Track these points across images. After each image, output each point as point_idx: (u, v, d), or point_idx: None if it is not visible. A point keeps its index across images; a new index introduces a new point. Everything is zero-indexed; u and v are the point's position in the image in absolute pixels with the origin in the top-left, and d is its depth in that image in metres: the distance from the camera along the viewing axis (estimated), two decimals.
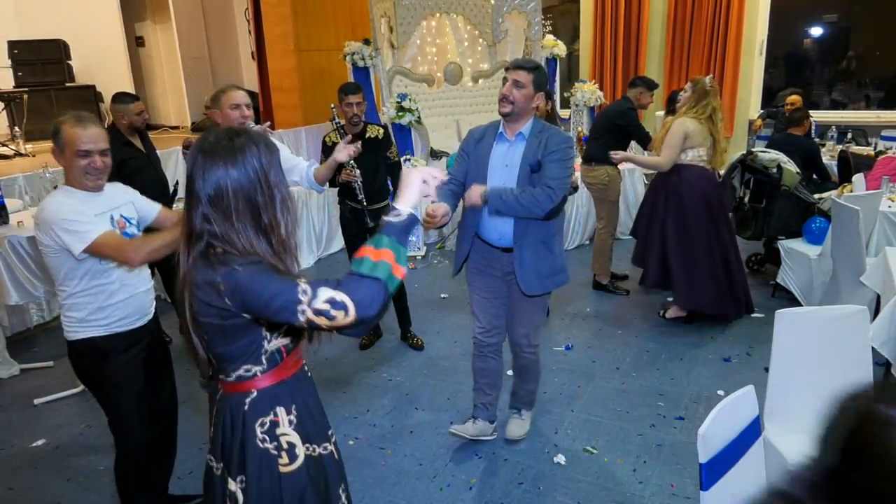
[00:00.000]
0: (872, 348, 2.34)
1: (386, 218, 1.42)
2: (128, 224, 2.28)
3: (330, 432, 1.65)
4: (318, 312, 1.31)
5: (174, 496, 2.67)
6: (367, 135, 3.79)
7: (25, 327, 4.52)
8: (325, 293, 1.31)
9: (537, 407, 3.35)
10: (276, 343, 1.48)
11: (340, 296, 1.31)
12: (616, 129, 4.65)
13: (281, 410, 1.49)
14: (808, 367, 2.25)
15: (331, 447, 1.61)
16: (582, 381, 3.63)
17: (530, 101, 2.61)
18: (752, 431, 1.76)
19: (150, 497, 2.41)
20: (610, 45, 7.91)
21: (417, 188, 1.48)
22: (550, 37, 7.19)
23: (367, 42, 6.25)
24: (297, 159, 3.02)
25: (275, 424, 1.48)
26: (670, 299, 4.47)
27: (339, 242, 5.96)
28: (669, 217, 4.12)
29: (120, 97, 3.91)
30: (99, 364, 2.24)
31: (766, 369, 2.25)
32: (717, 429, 1.61)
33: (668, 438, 3.05)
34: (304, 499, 1.50)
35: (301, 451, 1.50)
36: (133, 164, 3.74)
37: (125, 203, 2.32)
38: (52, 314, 4.62)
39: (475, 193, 2.54)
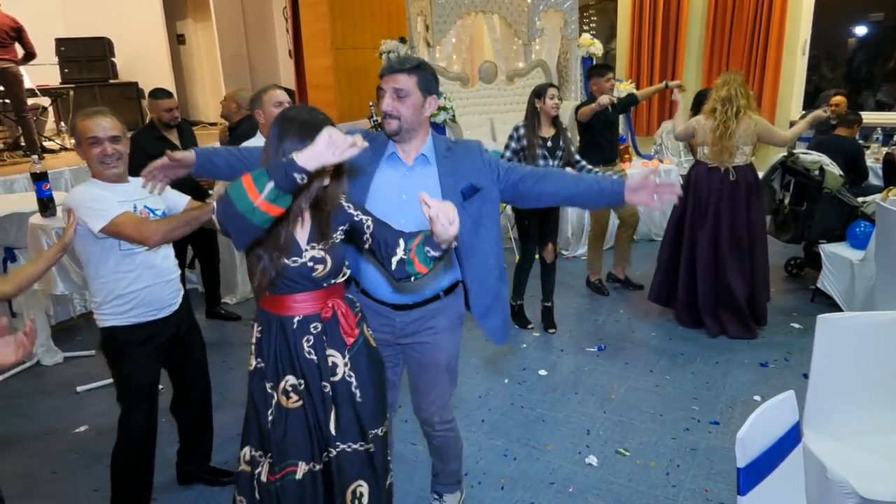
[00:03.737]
0: None
1: None
2: (151, 214, 2.32)
3: (286, 383, 1.78)
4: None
5: (215, 468, 2.82)
6: None
7: (69, 316, 4.66)
8: None
9: (565, 413, 3.33)
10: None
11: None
12: (580, 126, 4.76)
13: (257, 326, 1.84)
14: (849, 374, 2.21)
15: (274, 393, 1.79)
16: (615, 382, 3.60)
17: (420, 111, 1.98)
18: (792, 438, 1.73)
19: (136, 486, 2.47)
20: (647, 44, 7.80)
21: (322, 144, 1.49)
22: (587, 35, 7.13)
23: (402, 40, 6.27)
24: None
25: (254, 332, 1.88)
26: None
27: None
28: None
29: (153, 92, 4.01)
30: (117, 354, 2.34)
31: (805, 375, 2.21)
32: (755, 433, 1.59)
33: (702, 443, 3.01)
34: (253, 396, 1.82)
35: (253, 361, 1.84)
36: None
37: (152, 195, 2.35)
38: None
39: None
